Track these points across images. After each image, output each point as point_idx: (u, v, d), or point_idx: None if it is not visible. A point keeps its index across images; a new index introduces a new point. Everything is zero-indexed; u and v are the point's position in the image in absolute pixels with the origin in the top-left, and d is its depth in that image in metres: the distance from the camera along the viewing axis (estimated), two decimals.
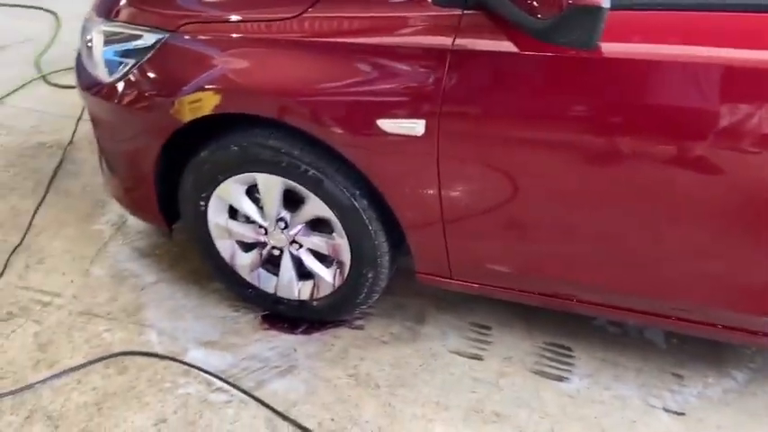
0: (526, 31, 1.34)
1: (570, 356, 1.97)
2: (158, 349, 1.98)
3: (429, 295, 2.14)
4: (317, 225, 1.88)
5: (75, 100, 2.13)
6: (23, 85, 3.25)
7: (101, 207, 2.49)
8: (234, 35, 1.67)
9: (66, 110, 3.02)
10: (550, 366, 1.94)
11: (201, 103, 1.70)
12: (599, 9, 1.21)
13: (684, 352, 1.96)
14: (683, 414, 1.79)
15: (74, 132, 2.86)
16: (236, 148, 1.77)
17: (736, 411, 1.80)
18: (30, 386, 1.85)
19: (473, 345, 2.01)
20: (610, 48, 1.36)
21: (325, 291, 1.97)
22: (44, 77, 3.34)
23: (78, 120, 2.91)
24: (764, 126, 1.34)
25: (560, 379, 1.90)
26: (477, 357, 1.96)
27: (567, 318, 2.03)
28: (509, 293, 1.81)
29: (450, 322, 2.07)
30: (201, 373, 1.89)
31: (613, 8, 1.28)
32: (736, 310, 1.62)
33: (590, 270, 1.66)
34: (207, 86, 1.68)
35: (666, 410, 1.81)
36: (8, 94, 3.18)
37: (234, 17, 1.68)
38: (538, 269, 1.72)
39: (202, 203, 1.91)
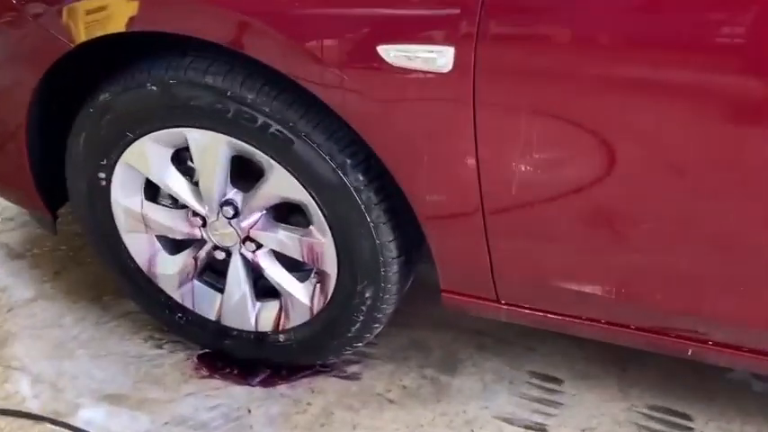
0: None
1: (688, 428, 1.95)
2: (33, 406, 1.96)
3: (463, 328, 2.13)
4: (286, 214, 1.87)
5: None
6: None
7: None
8: None
9: None
10: None
11: (107, 13, 1.70)
12: None
13: None
14: None
15: None
16: (155, 88, 1.75)
17: None
18: None
19: (533, 407, 1.99)
20: None
21: (297, 318, 1.95)
22: None
23: None
24: None
25: None
26: (540, 428, 1.94)
27: (683, 367, 1.98)
28: (591, 328, 1.79)
29: (497, 371, 2.06)
30: None
31: None
32: None
33: (730, 295, 1.64)
34: None
35: None
36: None
37: None
38: (640, 291, 1.70)
39: (102, 176, 1.89)
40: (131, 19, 1.68)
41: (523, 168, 1.58)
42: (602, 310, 1.75)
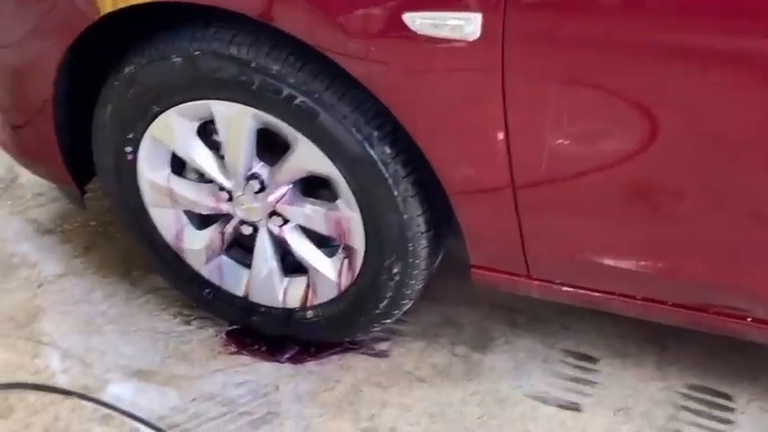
0: None
1: (728, 409, 1.93)
2: (62, 382, 1.99)
3: (496, 305, 2.13)
4: (313, 187, 1.87)
5: None
6: None
7: None
8: None
9: None
10: (695, 425, 1.90)
11: None
12: None
13: None
14: None
15: None
16: (179, 59, 1.76)
17: None
18: None
19: (568, 386, 1.99)
20: None
21: (325, 294, 1.97)
22: None
23: None
24: None
25: None
26: (574, 407, 1.94)
27: (724, 345, 1.96)
28: (626, 305, 1.79)
29: (530, 349, 2.06)
30: (128, 421, 1.91)
31: None
32: None
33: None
34: None
35: None
36: None
37: None
38: (679, 266, 1.70)
39: (129, 149, 1.92)
40: None
41: (555, 140, 1.58)
42: (638, 286, 1.75)
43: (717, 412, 1.92)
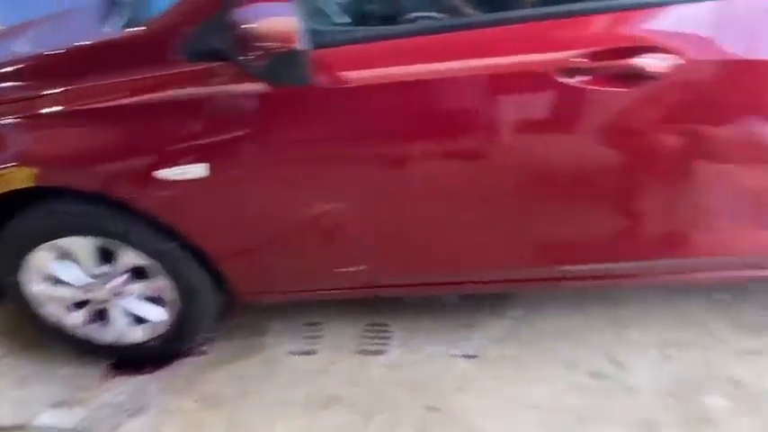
0: (255, 76, 1.32)
1: (387, 332, 1.96)
2: (9, 420, 1.75)
3: (265, 309, 2.06)
4: (141, 271, 1.75)
5: None
6: None
7: None
8: (18, 116, 1.52)
9: None
10: (371, 344, 1.92)
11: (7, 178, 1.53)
12: (297, 52, 1.22)
13: (473, 306, 2.03)
14: (476, 356, 1.86)
15: None
16: (42, 215, 1.62)
17: (516, 343, 1.90)
18: None
19: (307, 342, 1.95)
20: (328, 78, 1.39)
21: (160, 329, 1.83)
22: None
23: None
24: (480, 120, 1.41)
25: (380, 353, 1.88)
26: (311, 352, 1.91)
27: (383, 300, 1.99)
28: (318, 295, 1.78)
29: (285, 327, 2.00)
30: None
31: (332, 45, 1.33)
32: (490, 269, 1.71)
33: (386, 262, 1.67)
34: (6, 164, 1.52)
35: (464, 356, 1.86)
36: None
37: (12, 97, 1.54)
38: (325, 271, 1.69)
39: (16, 275, 1.72)
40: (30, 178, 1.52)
41: (252, 218, 1.56)
42: (315, 284, 1.74)
43: (382, 335, 1.94)
